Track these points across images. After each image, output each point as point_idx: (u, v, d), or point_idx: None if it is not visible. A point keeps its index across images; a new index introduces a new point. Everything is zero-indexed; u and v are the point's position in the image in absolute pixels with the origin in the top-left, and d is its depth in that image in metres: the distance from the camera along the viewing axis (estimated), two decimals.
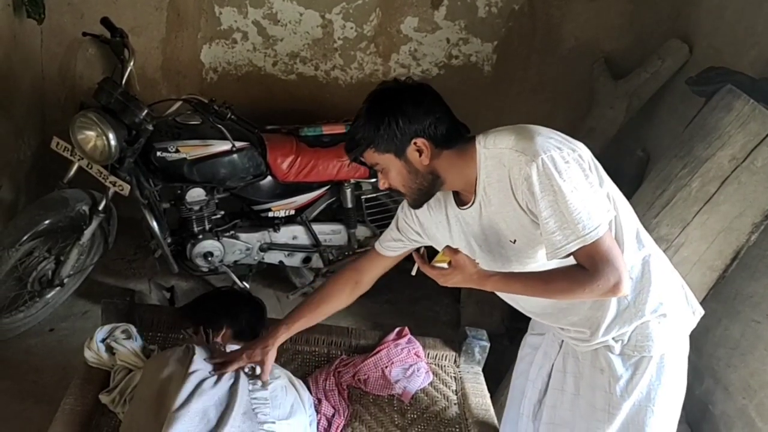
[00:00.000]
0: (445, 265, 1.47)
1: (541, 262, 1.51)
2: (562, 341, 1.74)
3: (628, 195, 2.62)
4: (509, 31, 3.34)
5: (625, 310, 1.55)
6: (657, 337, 1.57)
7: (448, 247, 1.47)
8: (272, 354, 1.81)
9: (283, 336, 1.85)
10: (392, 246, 1.83)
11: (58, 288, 2.84)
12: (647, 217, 2.27)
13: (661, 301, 1.56)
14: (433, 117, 1.45)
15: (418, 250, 1.58)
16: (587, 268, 1.38)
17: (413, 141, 1.45)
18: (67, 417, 1.75)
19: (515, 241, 1.50)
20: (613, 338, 1.59)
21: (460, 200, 1.59)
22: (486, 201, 1.49)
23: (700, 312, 1.66)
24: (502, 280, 1.47)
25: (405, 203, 1.72)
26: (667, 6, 3.17)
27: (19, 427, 2.39)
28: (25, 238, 2.46)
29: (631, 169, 3.18)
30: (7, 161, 3.12)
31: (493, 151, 1.45)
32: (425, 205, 1.62)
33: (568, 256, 1.39)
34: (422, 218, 1.70)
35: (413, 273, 1.57)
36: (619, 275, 1.36)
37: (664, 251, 2.24)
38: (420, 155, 1.47)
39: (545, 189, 1.35)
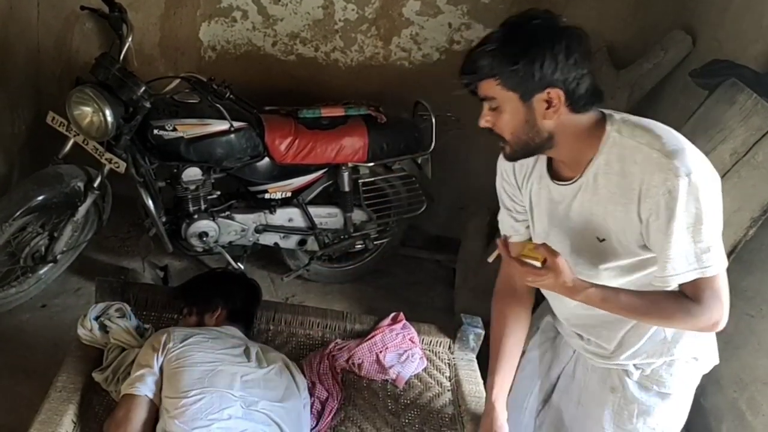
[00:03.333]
0: (537, 263, 1.32)
1: (611, 270, 1.41)
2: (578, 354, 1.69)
3: None
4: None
5: (660, 342, 1.49)
6: (681, 378, 1.52)
7: (545, 245, 1.32)
8: (502, 416, 1.67)
9: (501, 398, 1.69)
10: (516, 228, 1.63)
11: (51, 264, 2.82)
12: None
13: (695, 343, 1.50)
14: (580, 71, 1.26)
15: (503, 236, 1.42)
16: (693, 299, 1.30)
17: (547, 90, 1.26)
18: (59, 394, 1.75)
19: (603, 240, 1.37)
20: (634, 365, 1.53)
21: (554, 171, 1.43)
22: (591, 187, 1.35)
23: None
24: (598, 294, 1.33)
25: (500, 172, 1.58)
26: None
27: (10, 403, 2.38)
28: (18, 213, 2.44)
29: None
30: (1, 135, 3.08)
31: (628, 141, 1.29)
32: (512, 167, 1.50)
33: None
34: (520, 179, 1.54)
35: (490, 260, 1.45)
36: (723, 314, 1.31)
37: None
38: (548, 108, 1.28)
39: (688, 210, 1.23)
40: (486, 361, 2.44)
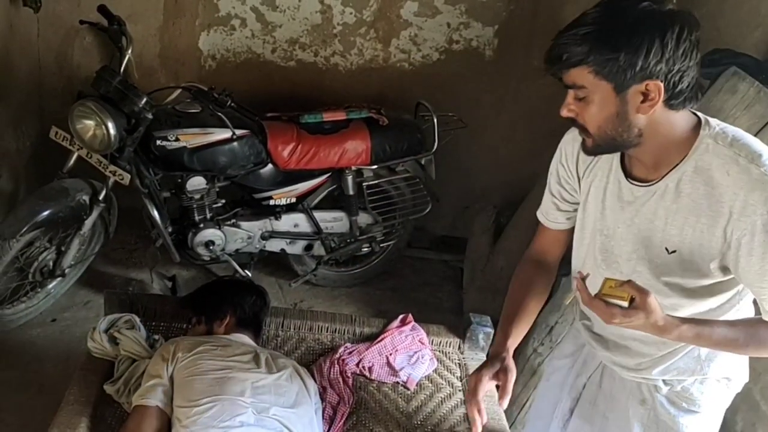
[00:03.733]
0: (624, 303, 1.19)
1: (674, 288, 1.32)
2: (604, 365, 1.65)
3: None
4: (510, 14, 3.31)
5: (693, 360, 1.43)
6: (711, 397, 1.48)
7: (631, 282, 1.19)
8: (515, 371, 1.52)
9: (512, 347, 1.55)
10: (555, 216, 1.55)
11: (59, 278, 2.83)
12: None
13: (729, 364, 1.45)
14: (686, 63, 1.13)
15: (579, 274, 1.28)
16: None
17: (645, 82, 1.14)
18: (71, 407, 1.74)
19: (674, 252, 1.27)
20: (663, 380, 1.49)
21: (628, 169, 1.33)
22: (672, 193, 1.24)
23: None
24: (692, 331, 1.22)
25: (560, 153, 1.47)
26: None
27: (23, 418, 2.40)
28: (25, 228, 2.46)
29: None
30: (5, 151, 3.10)
31: (725, 150, 1.19)
32: (577, 156, 1.39)
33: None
34: (581, 168, 1.43)
35: (567, 302, 1.38)
36: None
37: None
38: (643, 101, 1.16)
39: None
40: None
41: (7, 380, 2.55)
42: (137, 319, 1.99)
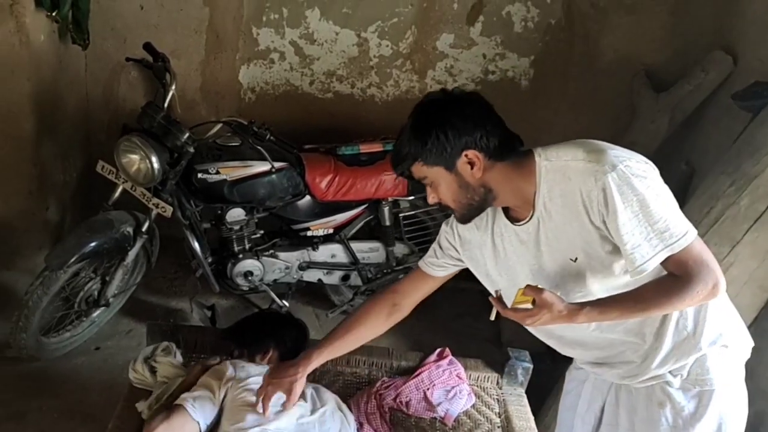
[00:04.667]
0: (528, 306, 1.37)
1: (598, 282, 1.45)
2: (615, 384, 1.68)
3: None
4: (546, 45, 3.32)
5: (684, 341, 1.49)
6: (717, 370, 1.51)
7: (528, 286, 1.38)
8: (300, 384, 1.75)
9: (315, 362, 1.79)
10: (436, 264, 1.77)
11: (103, 307, 2.90)
12: None
13: (720, 331, 1.50)
14: (483, 128, 1.39)
15: (495, 293, 1.48)
16: (680, 275, 1.33)
17: (464, 153, 1.39)
18: None
19: (576, 259, 1.43)
20: (670, 372, 1.53)
21: (512, 217, 1.52)
22: (546, 216, 1.43)
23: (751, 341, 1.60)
24: (595, 309, 1.37)
25: (450, 220, 1.68)
26: (709, 17, 3.10)
27: None
28: (72, 260, 2.52)
29: (674, 183, 3.10)
30: (53, 183, 3.20)
31: (557, 163, 1.39)
32: (471, 223, 1.57)
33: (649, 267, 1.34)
34: (465, 236, 1.65)
35: (492, 318, 1.51)
36: (716, 276, 1.33)
37: None
38: (472, 168, 1.41)
39: (627, 199, 1.30)
40: (536, 396, 2.42)
41: (52, 408, 2.60)
42: (174, 346, 2.03)
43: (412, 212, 3.05)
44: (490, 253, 1.60)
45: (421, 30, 3.32)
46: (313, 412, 1.80)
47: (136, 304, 3.18)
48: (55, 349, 2.84)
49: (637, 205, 1.30)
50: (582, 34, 3.29)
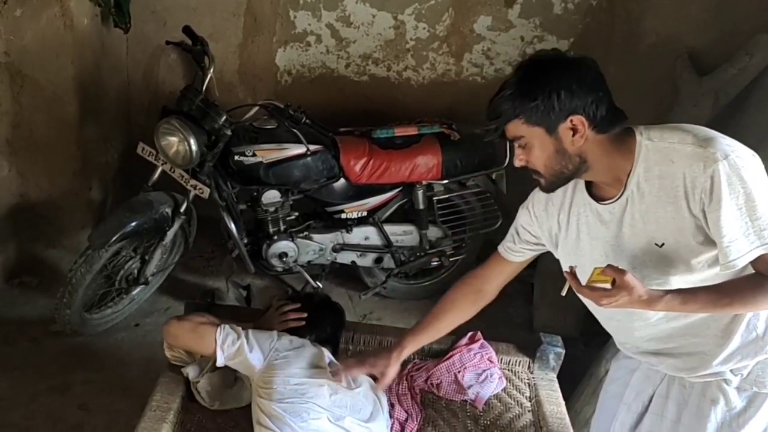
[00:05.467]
0: (606, 285, 1.33)
1: (679, 272, 1.41)
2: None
3: None
4: (586, 27, 3.26)
5: (752, 342, 1.46)
6: None
7: (609, 266, 1.33)
8: (394, 369, 1.82)
9: (408, 349, 1.84)
10: (513, 250, 1.74)
11: (143, 285, 2.99)
12: None
13: None
14: (595, 95, 1.33)
15: (570, 268, 1.42)
16: None
17: (570, 118, 1.33)
18: (153, 413, 1.83)
19: (662, 244, 1.38)
20: (731, 371, 1.50)
21: (595, 194, 1.47)
22: (638, 197, 1.38)
23: None
24: (677, 297, 1.33)
25: (526, 202, 1.66)
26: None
27: (108, 419, 2.53)
28: (114, 239, 2.59)
29: None
30: (96, 164, 3.29)
31: (660, 144, 1.34)
32: (546, 199, 1.55)
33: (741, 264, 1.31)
34: (540, 215, 1.61)
35: (563, 293, 1.47)
36: None
37: None
38: (573, 134, 1.35)
39: (734, 190, 1.25)
40: (568, 381, 2.41)
41: (94, 382, 2.70)
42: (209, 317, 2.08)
43: (446, 196, 3.05)
44: (564, 229, 1.56)
45: (458, 12, 3.28)
46: (347, 390, 1.83)
47: (174, 282, 3.26)
48: (97, 325, 2.94)
49: (743, 198, 1.25)
50: (623, 15, 3.21)
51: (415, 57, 3.40)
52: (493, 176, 3.08)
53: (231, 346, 1.82)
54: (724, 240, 1.28)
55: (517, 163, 1.45)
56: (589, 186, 1.48)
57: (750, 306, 1.34)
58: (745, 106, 3.01)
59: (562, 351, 2.23)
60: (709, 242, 1.34)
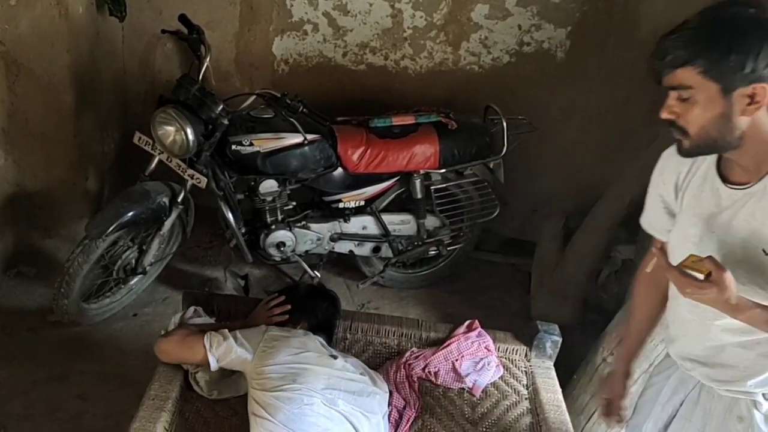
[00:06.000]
0: (699, 276, 1.23)
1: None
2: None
3: None
4: (584, 15, 3.24)
5: None
6: None
7: (711, 258, 1.23)
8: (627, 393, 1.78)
9: (630, 362, 1.78)
10: (667, 226, 1.54)
11: (140, 275, 2.98)
12: None
13: None
14: None
15: (658, 243, 1.34)
16: None
17: (753, 85, 1.17)
18: (152, 402, 1.85)
19: None
20: (763, 394, 1.46)
21: (723, 173, 1.35)
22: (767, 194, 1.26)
23: None
24: (764, 315, 1.24)
25: (660, 167, 1.50)
26: None
27: (107, 408, 2.54)
28: (111, 229, 2.58)
29: None
30: (92, 154, 3.28)
31: None
32: (677, 164, 1.42)
33: None
34: (668, 177, 1.47)
35: (648, 270, 1.40)
36: None
37: None
38: (749, 104, 1.19)
39: None
40: (564, 369, 2.43)
41: (92, 372, 2.70)
42: (201, 310, 2.12)
43: (444, 185, 3.04)
44: (678, 196, 1.45)
45: (455, 1, 3.26)
46: (342, 373, 1.87)
47: (172, 272, 3.26)
48: (95, 315, 2.94)
49: None
50: (621, 3, 3.20)
51: (413, 46, 3.39)
52: (491, 165, 3.08)
53: (219, 347, 1.85)
54: None
55: (665, 115, 1.27)
56: (719, 161, 1.35)
57: None
58: None
59: (559, 339, 2.25)
60: None
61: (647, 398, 1.80)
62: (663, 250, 1.31)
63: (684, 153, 1.31)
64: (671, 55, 1.20)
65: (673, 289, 1.49)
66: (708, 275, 1.21)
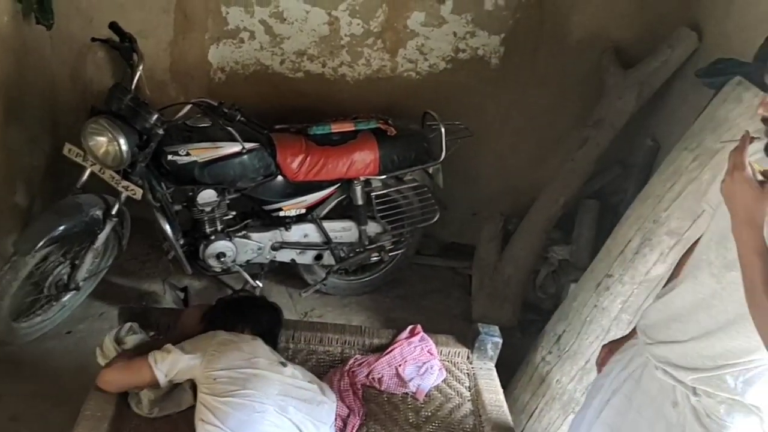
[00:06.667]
0: (757, 174, 1.25)
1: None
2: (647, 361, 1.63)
3: (640, 185, 2.63)
4: (516, 23, 3.33)
5: (732, 378, 1.41)
6: (740, 428, 1.44)
7: None
8: None
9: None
10: None
11: (74, 291, 2.88)
12: (657, 210, 2.27)
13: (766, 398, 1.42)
14: None
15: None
16: None
17: None
18: (87, 423, 1.79)
19: None
20: (695, 389, 1.48)
21: None
22: None
23: None
24: (761, 246, 1.22)
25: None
26: None
27: (40, 429, 2.45)
28: (41, 244, 2.50)
29: (641, 159, 3.18)
30: (21, 167, 3.15)
31: None
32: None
33: None
34: None
35: (722, 142, 1.47)
36: None
37: (674, 245, 2.25)
38: None
39: None
40: (506, 370, 2.48)
41: (26, 392, 2.59)
42: (136, 326, 2.08)
43: (384, 191, 3.06)
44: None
45: (392, 8, 3.30)
46: (292, 380, 1.88)
47: (108, 287, 3.17)
48: (26, 334, 2.83)
49: None
50: (552, 11, 3.30)
51: (350, 53, 3.40)
52: (430, 171, 3.12)
53: (164, 361, 1.82)
54: None
55: (761, 111, 1.32)
56: None
57: (763, 316, 1.22)
58: (668, 99, 3.15)
59: (500, 340, 2.29)
60: None
61: (601, 374, 1.84)
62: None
63: None
64: None
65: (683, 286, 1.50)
66: (764, 180, 1.23)
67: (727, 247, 1.35)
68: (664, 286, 1.74)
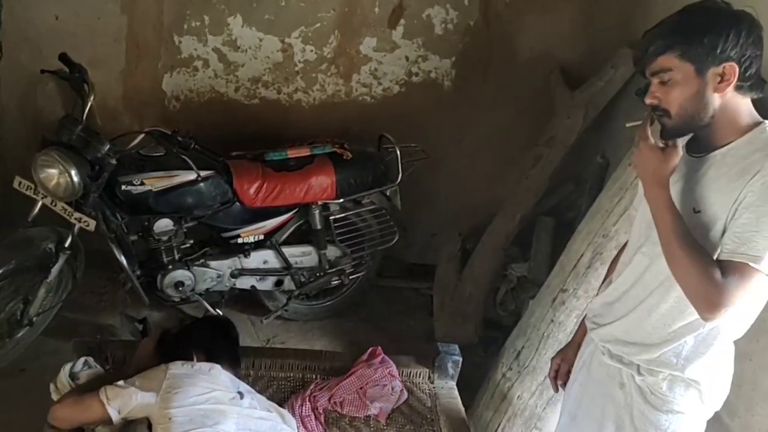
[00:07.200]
0: (660, 142, 1.41)
1: None
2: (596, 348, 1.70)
3: (592, 201, 2.70)
4: (466, 46, 3.41)
5: (674, 355, 1.51)
6: (683, 402, 1.54)
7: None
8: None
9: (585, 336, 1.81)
10: None
11: (27, 327, 2.81)
12: (606, 225, 2.34)
13: (708, 369, 1.51)
14: (753, 51, 1.35)
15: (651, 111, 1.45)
16: (722, 273, 1.32)
17: (723, 64, 1.34)
18: None
19: (699, 212, 1.42)
20: (639, 367, 1.56)
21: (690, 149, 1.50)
22: (716, 163, 1.41)
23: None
24: (667, 202, 1.39)
25: None
26: (617, 15, 3.25)
27: None
28: None
29: (591, 176, 3.25)
30: None
31: None
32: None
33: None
34: None
35: (628, 125, 1.54)
36: (726, 307, 1.31)
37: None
38: (720, 82, 1.36)
39: None
40: (468, 388, 2.50)
41: None
42: (91, 360, 2.05)
43: (343, 215, 3.07)
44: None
45: (344, 34, 3.35)
46: (251, 411, 1.84)
47: (63, 322, 3.08)
48: None
49: None
50: (499, 34, 3.39)
51: (305, 79, 3.44)
52: (388, 193, 3.15)
53: (117, 398, 1.79)
54: (733, 231, 1.33)
55: (649, 101, 1.43)
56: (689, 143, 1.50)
57: (683, 269, 1.36)
58: (614, 117, 3.24)
59: (460, 359, 2.31)
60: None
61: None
62: (652, 120, 1.46)
63: (667, 134, 1.45)
64: (653, 45, 1.39)
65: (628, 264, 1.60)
66: (665, 146, 1.40)
67: (653, 227, 1.46)
68: (599, 288, 1.86)
